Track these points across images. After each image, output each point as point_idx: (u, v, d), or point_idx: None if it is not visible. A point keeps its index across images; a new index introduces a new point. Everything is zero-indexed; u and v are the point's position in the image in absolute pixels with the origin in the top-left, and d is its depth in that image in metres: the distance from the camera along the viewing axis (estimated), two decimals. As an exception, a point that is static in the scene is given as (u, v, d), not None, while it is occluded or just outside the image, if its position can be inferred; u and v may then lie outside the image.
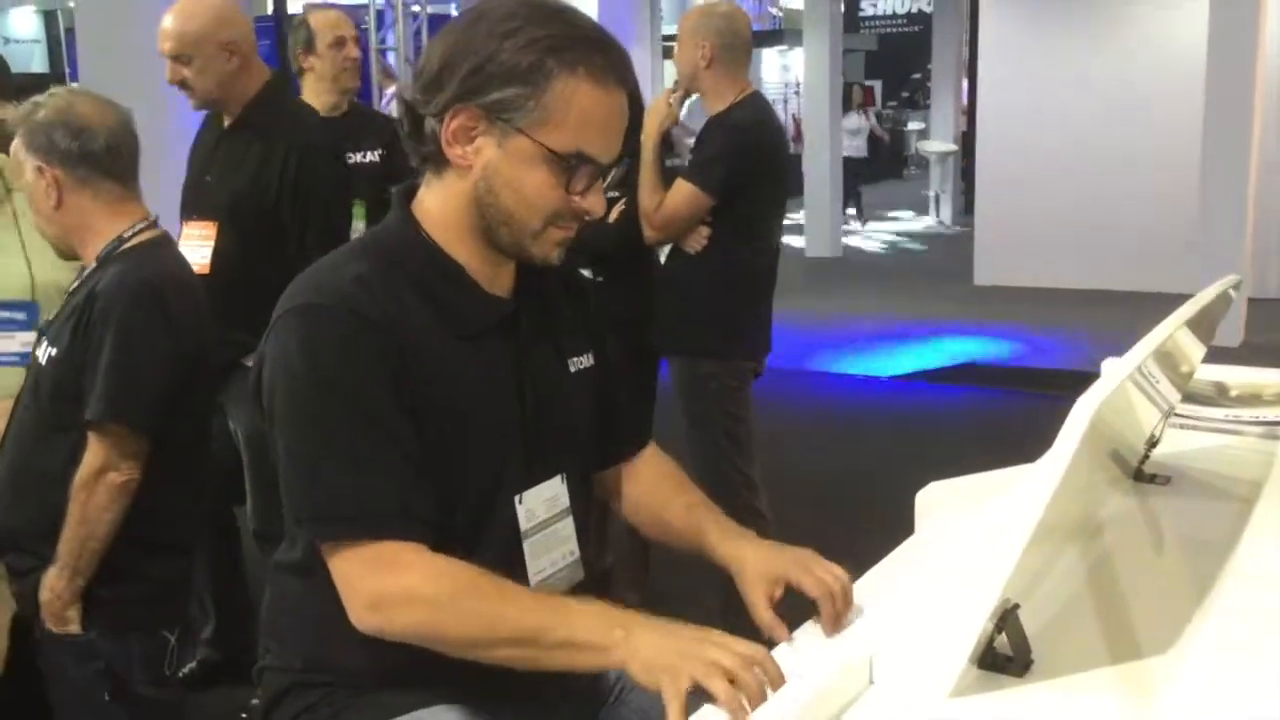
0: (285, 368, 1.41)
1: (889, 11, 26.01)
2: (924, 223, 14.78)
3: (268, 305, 3.06)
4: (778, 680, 1.20)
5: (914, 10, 25.43)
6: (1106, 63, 9.74)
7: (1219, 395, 1.82)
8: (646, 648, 1.27)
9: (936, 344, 8.03)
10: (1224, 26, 7.59)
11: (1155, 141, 9.41)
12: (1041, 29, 10.12)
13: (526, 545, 1.52)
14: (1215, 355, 7.39)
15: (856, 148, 14.87)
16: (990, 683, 0.94)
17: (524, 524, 1.52)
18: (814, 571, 1.45)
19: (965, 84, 16.11)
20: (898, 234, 14.49)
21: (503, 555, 1.48)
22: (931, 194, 14.82)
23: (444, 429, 1.43)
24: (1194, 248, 7.88)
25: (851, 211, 14.85)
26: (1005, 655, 0.97)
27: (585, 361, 1.64)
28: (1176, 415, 1.71)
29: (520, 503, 1.52)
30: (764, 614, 1.44)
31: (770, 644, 1.37)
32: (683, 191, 3.19)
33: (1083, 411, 0.98)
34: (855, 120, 14.89)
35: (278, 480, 1.46)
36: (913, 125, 20.97)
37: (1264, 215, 8.45)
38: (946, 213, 14.59)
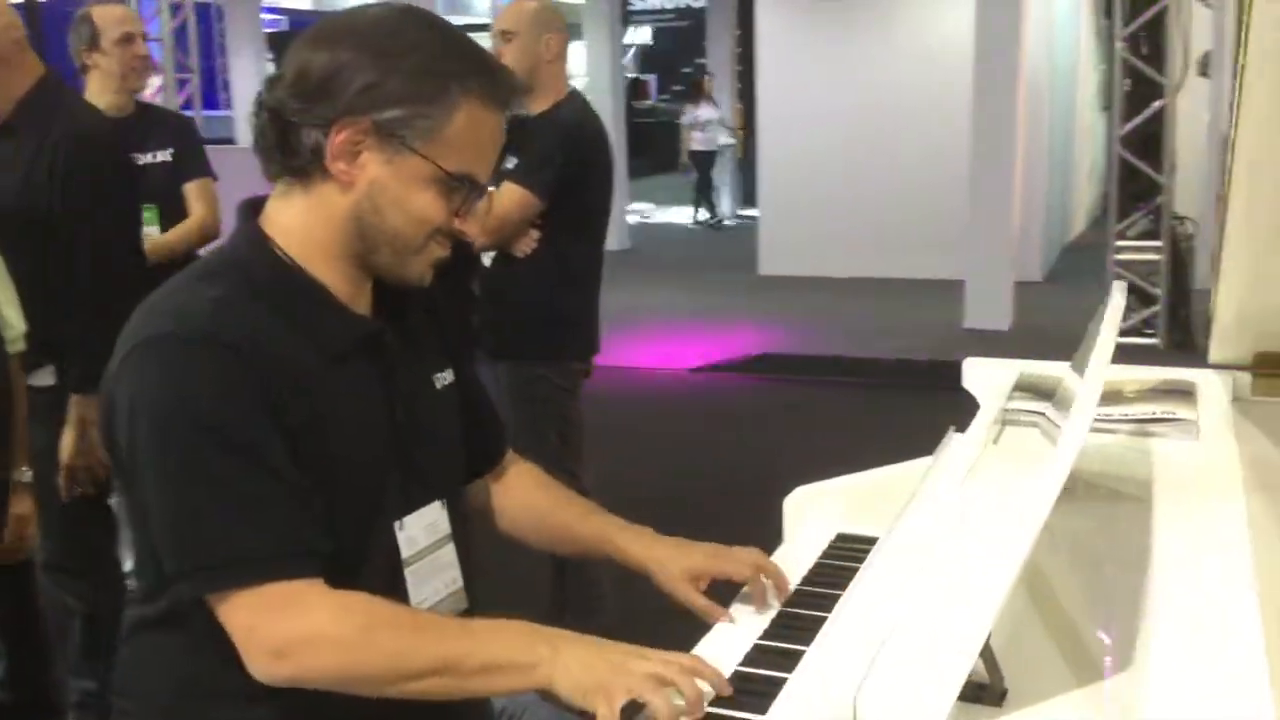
0: (149, 407, 1.29)
1: (659, 6, 26.37)
2: (705, 215, 15.00)
3: (53, 319, 2.82)
4: (721, 687, 1.26)
5: (684, 5, 25.87)
6: (879, 58, 10.13)
7: (1081, 393, 1.87)
8: (576, 664, 1.25)
9: (729, 334, 8.17)
10: (989, 27, 7.99)
11: (928, 134, 9.84)
12: (816, 25, 10.44)
13: (408, 574, 1.46)
14: (987, 339, 7.71)
15: (708, 140, 14.25)
16: (973, 715, 0.92)
17: (405, 551, 1.46)
18: (734, 557, 1.57)
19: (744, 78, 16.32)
20: (683, 226, 14.70)
21: (385, 586, 1.41)
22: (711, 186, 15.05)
23: (320, 457, 1.35)
24: (964, 236, 8.30)
25: (704, 215, 14.49)
26: (979, 683, 0.95)
27: (448, 377, 1.59)
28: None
29: (401, 529, 1.46)
30: (699, 601, 1.53)
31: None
32: (513, 195, 3.10)
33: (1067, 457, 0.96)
34: (707, 111, 14.28)
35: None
36: (688, 119, 21.27)
37: (1026, 203, 8.95)
38: (727, 205, 14.88)
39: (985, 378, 1.85)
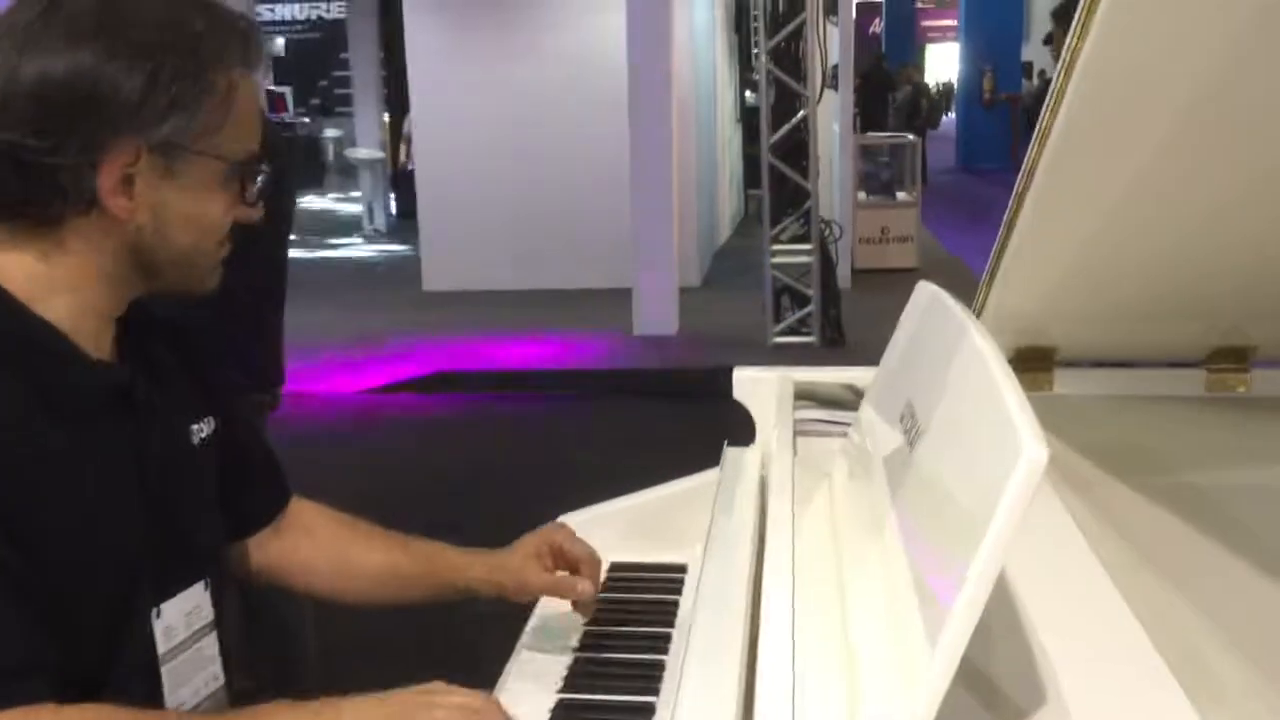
0: None
1: (288, 17, 25.48)
2: (357, 233, 14.45)
3: None
4: None
5: (314, 17, 25.11)
6: (534, 69, 10.10)
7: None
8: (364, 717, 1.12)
9: (399, 354, 7.89)
10: (640, 40, 8.10)
11: (586, 147, 9.89)
12: (468, 38, 10.29)
13: (165, 671, 1.22)
14: (657, 344, 7.80)
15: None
16: None
17: (162, 645, 1.22)
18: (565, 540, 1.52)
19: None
20: (339, 243, 14.09)
21: (137, 689, 1.18)
22: (364, 202, 14.56)
23: (58, 544, 1.10)
24: (629, 245, 8.41)
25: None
26: None
27: (206, 429, 1.34)
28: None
29: (158, 618, 1.21)
30: (551, 578, 1.48)
31: None
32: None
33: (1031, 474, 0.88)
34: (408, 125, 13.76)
35: None
36: (330, 133, 20.60)
37: (682, 212, 9.19)
38: (381, 220, 14.42)
39: (756, 388, 1.78)
